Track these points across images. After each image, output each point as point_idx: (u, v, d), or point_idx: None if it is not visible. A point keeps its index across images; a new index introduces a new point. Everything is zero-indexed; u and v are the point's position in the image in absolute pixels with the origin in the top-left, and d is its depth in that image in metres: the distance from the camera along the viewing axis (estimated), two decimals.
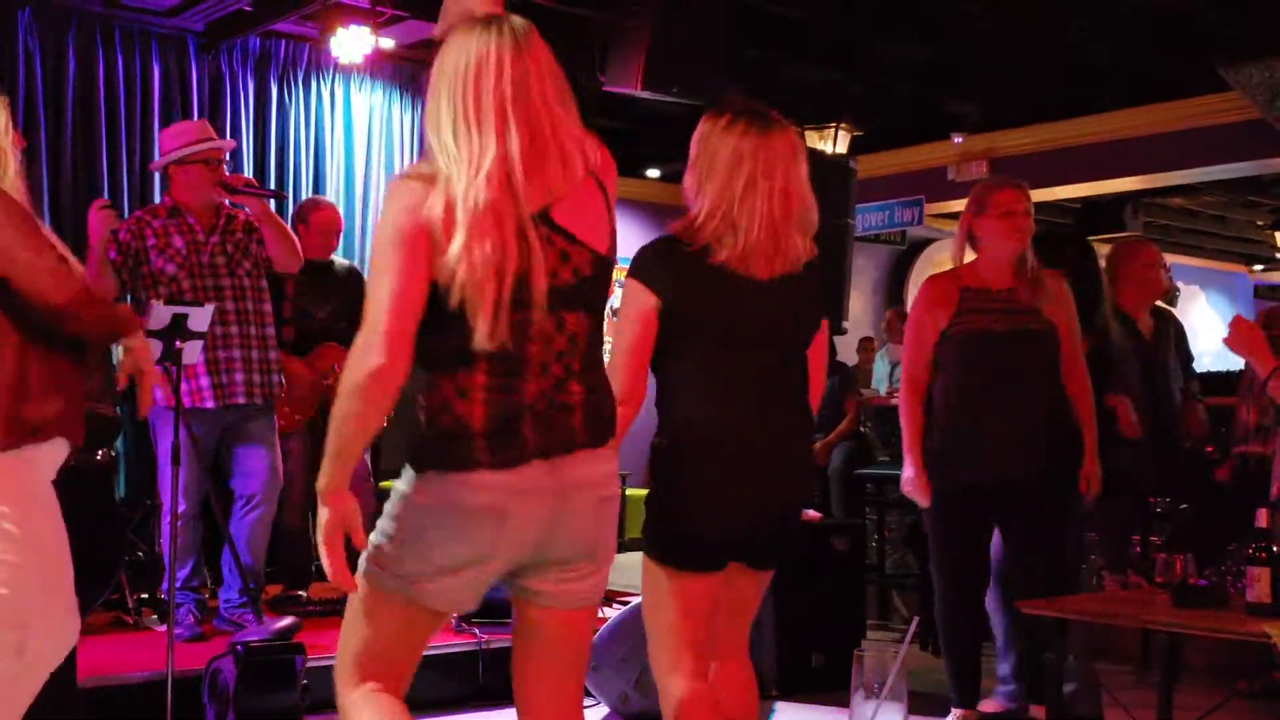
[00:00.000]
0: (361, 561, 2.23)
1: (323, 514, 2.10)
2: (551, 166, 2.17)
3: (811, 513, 5.23)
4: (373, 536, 2.21)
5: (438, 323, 2.11)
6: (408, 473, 2.16)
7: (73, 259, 2.90)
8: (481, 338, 2.08)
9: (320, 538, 2.10)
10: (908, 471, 3.95)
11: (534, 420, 2.14)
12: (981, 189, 3.99)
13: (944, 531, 3.98)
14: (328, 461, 2.10)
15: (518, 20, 2.24)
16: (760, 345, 2.64)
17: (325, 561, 2.11)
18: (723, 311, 2.60)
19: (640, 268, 2.62)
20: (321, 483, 2.11)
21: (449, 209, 2.08)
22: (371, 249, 2.15)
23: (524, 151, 2.13)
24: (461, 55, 2.19)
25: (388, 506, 2.21)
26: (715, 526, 2.60)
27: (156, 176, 6.29)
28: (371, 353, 2.05)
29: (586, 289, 2.21)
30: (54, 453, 2.82)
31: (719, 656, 2.73)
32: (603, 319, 2.31)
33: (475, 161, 2.11)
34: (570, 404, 2.19)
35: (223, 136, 4.98)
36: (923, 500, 3.93)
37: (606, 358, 2.40)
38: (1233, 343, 3.91)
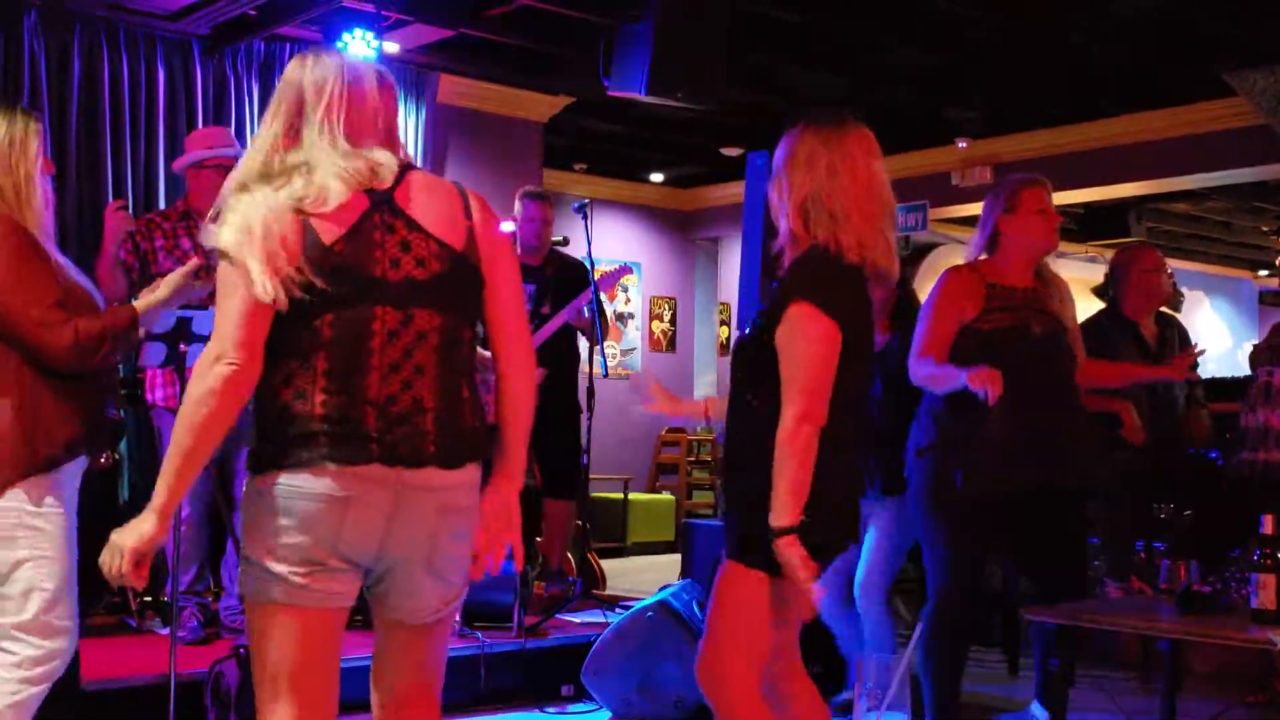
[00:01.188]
0: (240, 577, 2.22)
1: (145, 527, 2.10)
2: (374, 165, 2.19)
3: None
4: (242, 548, 2.22)
5: (277, 318, 2.13)
6: (250, 475, 2.17)
7: (87, 287, 2.94)
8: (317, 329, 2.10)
9: (130, 550, 2.09)
10: (969, 373, 3.44)
11: (378, 418, 2.13)
12: (1008, 187, 3.80)
13: (965, 541, 3.70)
14: (169, 475, 2.10)
15: (350, 55, 2.37)
16: (870, 350, 2.73)
17: (127, 578, 2.11)
18: (860, 314, 2.65)
19: (817, 292, 2.56)
20: (161, 499, 2.10)
21: (292, 205, 2.12)
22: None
23: (348, 152, 2.18)
24: (294, 76, 2.25)
25: (240, 513, 2.22)
26: (843, 535, 2.67)
27: (162, 181, 6.30)
28: (224, 357, 2.08)
29: (440, 286, 2.18)
30: (75, 468, 2.88)
31: (792, 674, 2.73)
32: (470, 322, 2.26)
33: (312, 157, 2.17)
34: (420, 410, 2.16)
35: (227, 140, 4.98)
36: (996, 389, 3.37)
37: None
38: None
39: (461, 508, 2.22)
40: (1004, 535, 3.76)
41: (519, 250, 5.73)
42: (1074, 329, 3.84)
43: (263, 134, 2.24)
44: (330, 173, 2.16)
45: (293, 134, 2.21)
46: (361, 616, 4.91)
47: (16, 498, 2.75)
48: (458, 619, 4.73)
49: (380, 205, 2.17)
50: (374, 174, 2.19)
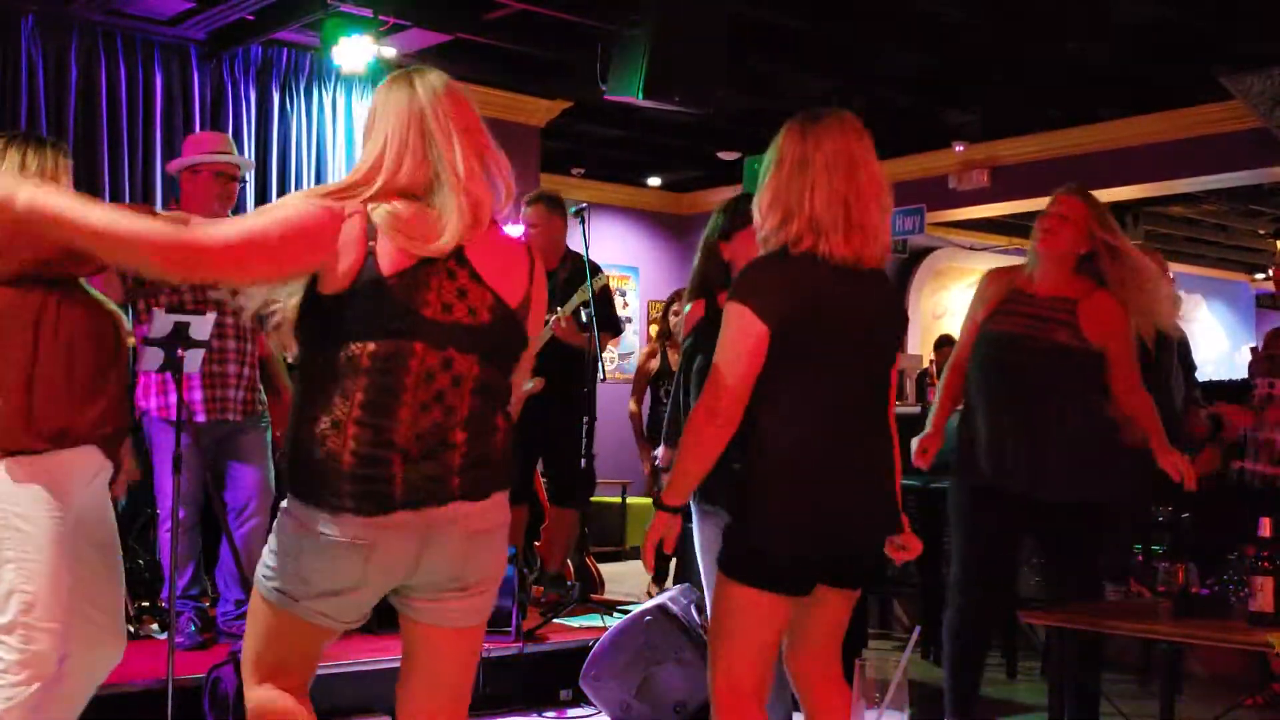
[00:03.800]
0: (257, 572, 2.29)
1: None
2: (465, 208, 2.20)
3: None
4: (264, 550, 2.28)
5: (324, 335, 2.16)
6: (290, 494, 2.21)
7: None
8: (357, 351, 2.12)
9: None
10: (925, 433, 3.81)
11: (404, 465, 2.14)
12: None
13: (967, 530, 3.79)
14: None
15: (437, 75, 2.33)
16: (851, 349, 2.56)
17: None
18: (809, 308, 2.50)
19: (746, 290, 2.52)
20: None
21: (361, 223, 2.14)
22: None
23: (429, 187, 2.20)
24: (392, 98, 2.27)
25: (275, 522, 2.26)
26: (799, 549, 2.53)
27: (159, 186, 6.30)
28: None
29: (486, 335, 2.22)
30: (82, 458, 2.85)
31: (817, 682, 2.69)
32: (510, 371, 2.31)
33: (388, 186, 2.19)
34: (449, 449, 2.18)
35: (225, 146, 4.96)
36: (918, 461, 3.77)
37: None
38: None
39: (491, 528, 2.27)
40: (1008, 534, 3.76)
41: None
42: (1113, 345, 3.66)
43: (391, 149, 2.23)
44: (448, 213, 2.18)
45: (418, 156, 2.22)
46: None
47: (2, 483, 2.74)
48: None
49: (451, 254, 2.19)
50: (476, 220, 2.21)
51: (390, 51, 6.69)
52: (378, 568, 2.17)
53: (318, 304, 2.16)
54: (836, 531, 2.55)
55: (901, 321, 2.75)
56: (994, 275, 3.88)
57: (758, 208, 2.60)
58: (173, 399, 4.27)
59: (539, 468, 5.98)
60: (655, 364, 7.06)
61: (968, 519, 3.78)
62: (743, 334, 2.48)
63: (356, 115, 7.14)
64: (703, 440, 2.50)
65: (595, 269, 5.63)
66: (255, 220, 2.18)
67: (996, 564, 3.79)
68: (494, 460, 2.26)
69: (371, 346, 2.13)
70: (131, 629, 4.79)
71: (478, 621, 2.34)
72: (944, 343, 10.53)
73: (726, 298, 2.54)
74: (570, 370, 5.57)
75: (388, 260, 2.14)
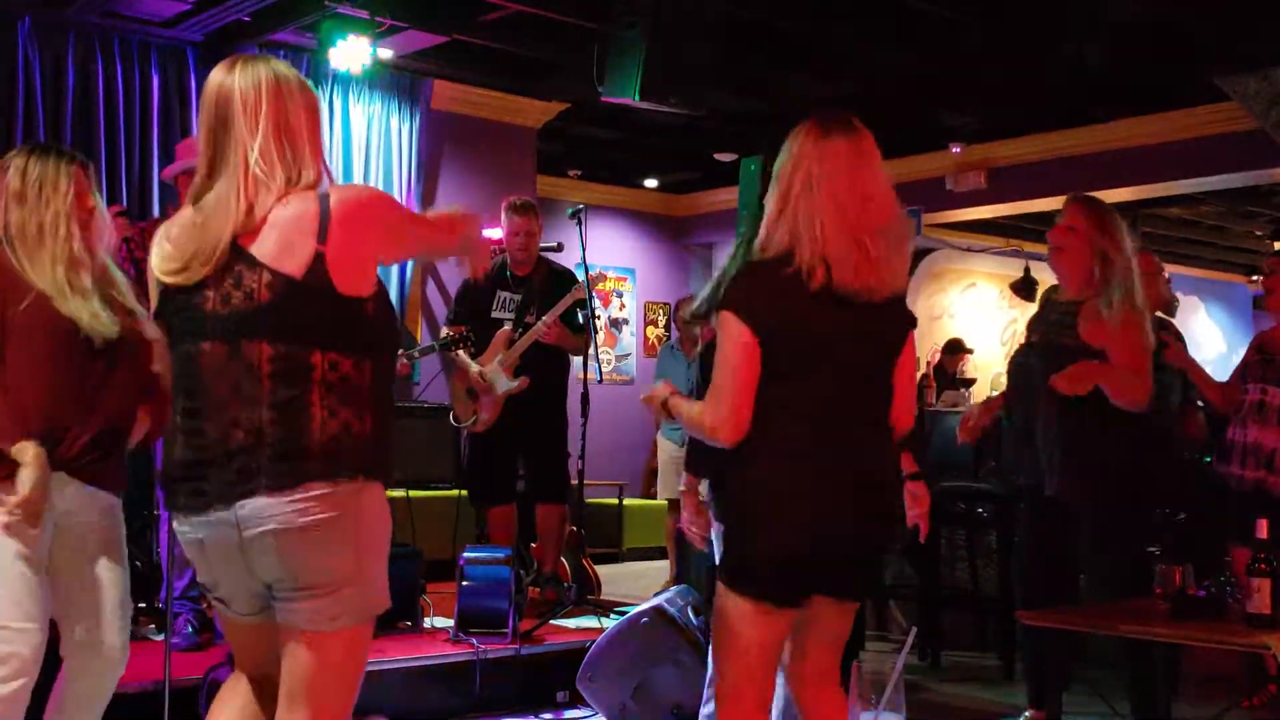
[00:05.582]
0: None
1: None
2: (241, 198, 2.18)
3: None
4: None
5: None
6: None
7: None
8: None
9: None
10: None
11: (218, 462, 2.15)
12: None
13: (1025, 531, 4.02)
14: None
15: (267, 66, 2.28)
16: (838, 365, 2.50)
17: None
18: (801, 330, 2.47)
19: (737, 299, 2.49)
20: None
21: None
22: None
23: (206, 184, 2.23)
24: (211, 84, 2.28)
25: None
26: (782, 557, 2.47)
27: (155, 187, 6.30)
28: None
29: (268, 314, 2.14)
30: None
31: (810, 684, 2.66)
32: (321, 347, 2.16)
33: (195, 188, 2.25)
34: (255, 443, 2.13)
35: None
36: (963, 435, 4.05)
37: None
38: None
39: (309, 524, 2.14)
40: (1047, 531, 3.84)
41: (508, 261, 5.71)
42: (1114, 344, 3.65)
43: (201, 140, 2.27)
44: (218, 208, 2.19)
45: (209, 164, 2.24)
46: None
47: None
48: (453, 626, 4.73)
49: (229, 246, 2.17)
50: (251, 210, 2.18)
51: (387, 53, 6.69)
52: (216, 561, 2.24)
53: None
54: (824, 542, 2.47)
55: (904, 329, 2.63)
56: (1048, 289, 4.06)
57: (766, 212, 2.56)
58: None
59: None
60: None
61: (1025, 521, 3.99)
62: (734, 340, 2.45)
63: (353, 117, 7.14)
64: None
65: (573, 272, 5.67)
66: None
67: (1047, 562, 3.85)
68: (308, 448, 2.14)
69: (178, 350, 2.23)
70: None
71: (328, 627, 2.19)
72: (953, 348, 10.51)
73: (719, 306, 2.51)
74: (551, 369, 5.60)
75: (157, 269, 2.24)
